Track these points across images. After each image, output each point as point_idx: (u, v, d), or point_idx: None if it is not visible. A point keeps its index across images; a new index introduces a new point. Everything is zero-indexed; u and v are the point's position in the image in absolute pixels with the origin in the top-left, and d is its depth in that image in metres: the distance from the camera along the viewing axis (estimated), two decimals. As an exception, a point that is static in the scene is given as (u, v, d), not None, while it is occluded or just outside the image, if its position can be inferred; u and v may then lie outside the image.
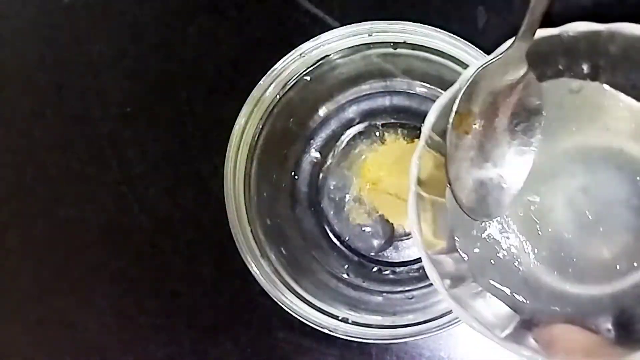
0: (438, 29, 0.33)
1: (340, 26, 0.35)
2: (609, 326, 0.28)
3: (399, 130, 0.40)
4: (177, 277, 0.42)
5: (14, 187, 0.44)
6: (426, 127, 0.28)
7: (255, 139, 0.36)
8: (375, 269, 0.40)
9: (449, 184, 0.28)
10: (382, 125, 0.40)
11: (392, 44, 0.35)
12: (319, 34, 0.35)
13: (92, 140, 0.43)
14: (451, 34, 0.33)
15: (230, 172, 0.35)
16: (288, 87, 0.36)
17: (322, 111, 0.40)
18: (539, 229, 0.30)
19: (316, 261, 0.39)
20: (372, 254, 0.40)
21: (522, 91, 0.28)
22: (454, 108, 0.27)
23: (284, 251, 0.37)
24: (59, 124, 0.44)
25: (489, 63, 0.27)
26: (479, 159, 0.29)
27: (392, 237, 0.40)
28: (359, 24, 0.34)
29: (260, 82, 0.35)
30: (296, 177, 0.41)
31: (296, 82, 0.36)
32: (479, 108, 0.28)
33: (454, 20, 0.39)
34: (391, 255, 0.40)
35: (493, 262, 0.30)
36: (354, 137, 0.41)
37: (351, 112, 0.41)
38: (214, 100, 0.42)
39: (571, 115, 0.30)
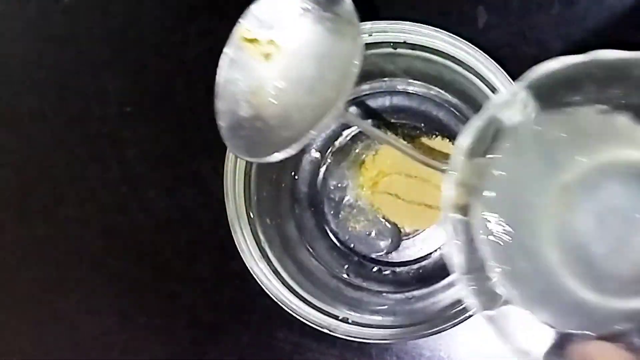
0: (438, 29, 0.33)
1: (340, 26, 0.34)
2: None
3: (399, 130, 0.40)
4: (177, 277, 0.42)
5: (14, 187, 0.44)
6: (460, 151, 0.26)
7: (255, 139, 0.36)
8: (375, 269, 0.40)
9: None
10: (382, 125, 0.40)
11: (392, 44, 0.35)
12: (319, 34, 0.34)
13: (92, 140, 0.43)
14: (451, 34, 0.33)
15: (230, 172, 0.35)
16: (288, 87, 0.36)
17: (322, 111, 0.40)
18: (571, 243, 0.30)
19: (316, 261, 0.40)
20: (382, 255, 0.40)
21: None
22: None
23: (284, 251, 0.37)
24: (59, 124, 0.44)
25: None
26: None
27: (399, 236, 0.40)
28: (359, 24, 0.34)
29: (260, 82, 0.35)
30: (296, 177, 0.41)
31: (296, 82, 0.36)
32: None
33: (454, 20, 0.39)
34: (391, 255, 0.40)
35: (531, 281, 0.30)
36: (353, 137, 0.41)
37: (351, 111, 0.41)
38: (214, 100, 0.42)
39: (601, 138, 0.29)
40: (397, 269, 0.40)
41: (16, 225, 0.44)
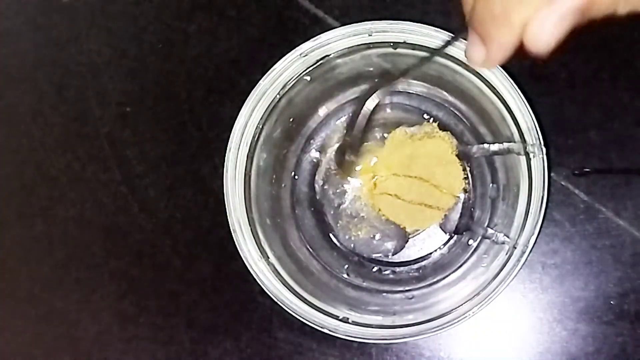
0: (438, 29, 0.33)
1: (340, 26, 0.35)
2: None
3: (399, 130, 0.40)
4: (177, 277, 0.42)
5: (14, 187, 0.44)
6: None
7: (255, 139, 0.36)
8: (375, 269, 0.40)
9: None
10: (382, 125, 0.40)
11: (392, 44, 0.35)
12: (319, 34, 0.35)
13: (92, 140, 0.43)
14: (451, 34, 0.33)
15: (230, 172, 0.35)
16: (288, 87, 0.36)
17: (322, 111, 0.40)
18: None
19: (316, 261, 0.39)
20: (390, 256, 0.40)
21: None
22: None
23: (284, 251, 0.37)
24: (59, 124, 0.44)
25: None
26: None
27: (405, 236, 0.40)
28: (359, 24, 0.34)
29: (260, 82, 0.35)
30: (296, 177, 0.41)
31: (296, 82, 0.36)
32: None
33: (454, 20, 0.39)
34: (391, 255, 0.40)
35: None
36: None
37: (351, 111, 0.41)
38: (214, 100, 0.42)
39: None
40: (397, 269, 0.40)
41: (16, 225, 0.44)
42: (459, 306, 0.34)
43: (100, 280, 0.43)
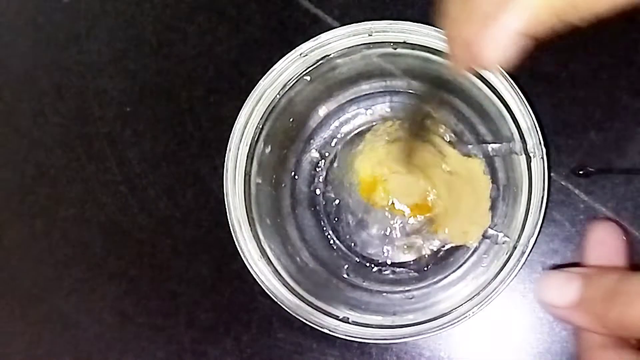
0: (438, 29, 0.33)
1: (340, 26, 0.34)
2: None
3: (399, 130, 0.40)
4: (177, 277, 0.42)
5: (14, 187, 0.44)
6: None
7: (255, 139, 0.36)
8: (375, 269, 0.40)
9: None
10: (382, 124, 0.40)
11: (392, 44, 0.35)
12: (319, 34, 0.35)
13: (92, 140, 0.43)
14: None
15: (230, 172, 0.35)
16: (288, 87, 0.36)
17: (322, 111, 0.40)
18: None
19: (316, 261, 0.39)
20: (382, 255, 0.40)
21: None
22: None
23: (284, 251, 0.37)
24: (59, 124, 0.44)
25: None
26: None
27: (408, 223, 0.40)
28: (359, 24, 0.34)
29: (260, 82, 0.35)
30: (296, 177, 0.41)
31: (296, 82, 0.36)
32: None
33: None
34: (391, 255, 0.40)
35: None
36: (353, 137, 0.41)
37: (351, 112, 0.41)
38: (214, 100, 0.42)
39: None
40: (397, 269, 0.40)
41: (16, 225, 0.44)
42: (459, 306, 0.34)
43: (100, 280, 0.43)
